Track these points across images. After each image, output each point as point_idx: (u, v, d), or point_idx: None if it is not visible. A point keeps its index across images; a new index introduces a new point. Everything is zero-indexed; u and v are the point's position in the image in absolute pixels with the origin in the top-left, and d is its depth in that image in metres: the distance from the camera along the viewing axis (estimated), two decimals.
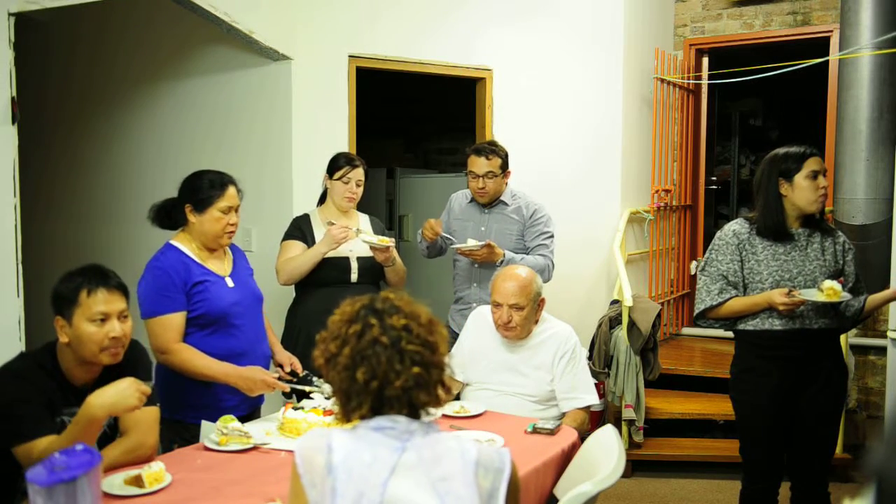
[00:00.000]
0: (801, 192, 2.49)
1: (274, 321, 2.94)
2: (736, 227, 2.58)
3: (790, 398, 2.52)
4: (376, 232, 3.16)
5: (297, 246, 3.02)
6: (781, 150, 2.56)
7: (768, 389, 2.52)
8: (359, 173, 3.04)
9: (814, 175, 2.48)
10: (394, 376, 1.34)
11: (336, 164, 3.06)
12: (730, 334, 2.69)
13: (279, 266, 3.01)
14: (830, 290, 2.39)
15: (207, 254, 2.50)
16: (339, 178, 3.03)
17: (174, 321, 2.37)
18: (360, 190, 3.07)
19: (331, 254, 2.96)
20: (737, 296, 2.55)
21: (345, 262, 3.01)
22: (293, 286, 3.20)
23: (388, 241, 3.01)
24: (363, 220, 3.18)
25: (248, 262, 2.70)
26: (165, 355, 2.37)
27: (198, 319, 2.42)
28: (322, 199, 3.18)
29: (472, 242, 3.14)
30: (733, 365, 2.68)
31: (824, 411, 2.55)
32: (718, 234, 2.63)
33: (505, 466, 1.37)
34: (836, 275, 2.52)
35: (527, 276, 2.69)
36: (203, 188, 2.44)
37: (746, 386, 2.59)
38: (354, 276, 3.02)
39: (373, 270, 3.08)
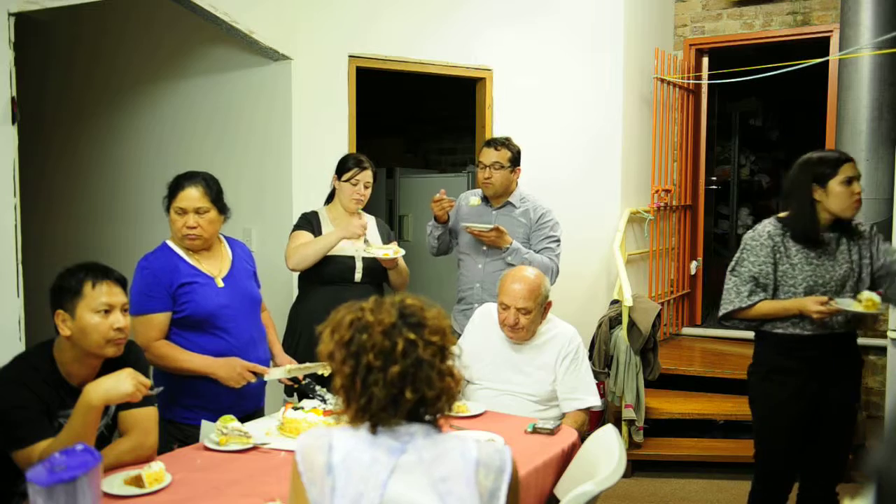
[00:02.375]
0: (835, 199, 2.44)
1: (274, 321, 2.93)
2: (770, 229, 2.54)
3: (813, 398, 2.50)
4: (382, 233, 3.17)
5: (306, 236, 3.02)
6: (815, 155, 2.52)
7: (793, 389, 2.50)
8: (367, 175, 3.04)
9: (848, 181, 2.44)
10: (432, 393, 1.35)
11: (345, 166, 3.06)
12: (730, 335, 2.68)
13: (289, 252, 2.98)
14: (869, 302, 2.36)
15: (202, 253, 2.50)
16: (347, 180, 3.03)
17: (156, 320, 2.38)
18: (368, 192, 3.07)
19: (337, 252, 2.96)
20: (766, 298, 2.51)
21: (350, 261, 3.01)
22: (296, 285, 3.20)
23: (398, 252, 2.99)
24: (370, 223, 3.17)
25: (252, 262, 2.69)
26: (145, 353, 2.36)
27: (184, 320, 2.42)
28: (329, 199, 3.18)
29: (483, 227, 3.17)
30: (756, 365, 2.64)
31: (846, 407, 2.55)
32: (751, 234, 2.58)
33: (506, 465, 1.37)
34: (860, 273, 2.50)
35: (535, 279, 2.68)
36: (168, 190, 2.46)
37: (771, 385, 2.55)
38: (358, 276, 3.02)
39: (377, 271, 3.08)
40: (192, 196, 2.43)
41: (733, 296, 2.55)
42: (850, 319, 2.50)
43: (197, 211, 2.42)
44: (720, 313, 2.62)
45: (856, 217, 2.53)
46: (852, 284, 2.49)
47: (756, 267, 2.52)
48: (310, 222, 3.06)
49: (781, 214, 2.57)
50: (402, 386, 1.34)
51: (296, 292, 3.23)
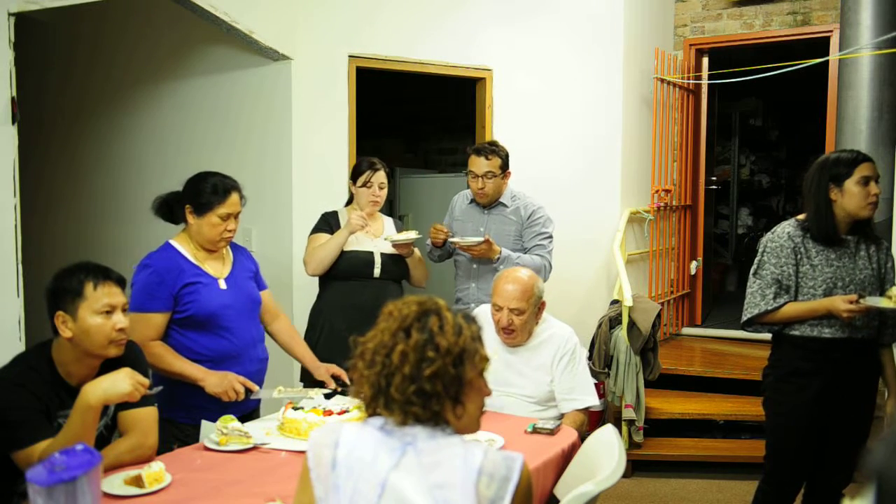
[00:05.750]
0: (851, 198, 2.42)
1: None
2: (790, 230, 2.52)
3: (831, 401, 2.49)
4: (398, 231, 3.21)
5: (324, 238, 3.07)
6: (833, 155, 2.51)
7: (812, 392, 2.48)
8: (380, 176, 3.08)
9: (865, 181, 2.42)
10: (414, 388, 1.34)
11: (358, 170, 3.11)
12: (730, 335, 2.66)
13: (307, 258, 3.06)
14: None
15: (205, 254, 2.50)
16: (362, 185, 3.07)
17: (154, 320, 2.39)
18: (384, 192, 3.11)
19: (356, 247, 3.02)
20: (790, 300, 2.49)
21: (369, 256, 3.06)
22: (296, 284, 3.21)
23: (414, 236, 3.06)
24: (387, 223, 3.22)
25: (253, 263, 2.69)
26: None
27: (187, 320, 2.42)
28: (350, 201, 3.22)
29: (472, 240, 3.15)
30: (773, 367, 2.62)
31: (862, 411, 2.55)
32: (770, 236, 2.56)
33: (512, 474, 1.31)
34: (882, 282, 2.48)
35: (528, 280, 2.68)
36: (205, 192, 2.44)
37: (789, 387, 2.53)
38: (377, 272, 3.06)
39: (395, 267, 3.12)
40: (236, 201, 2.48)
41: (759, 299, 2.52)
42: (874, 323, 2.48)
43: (236, 215, 2.48)
44: (744, 318, 2.57)
45: (873, 217, 2.50)
46: (872, 290, 2.47)
47: (778, 269, 2.50)
48: (328, 223, 3.12)
49: (800, 216, 2.56)
50: (388, 382, 1.33)
51: (296, 291, 3.25)
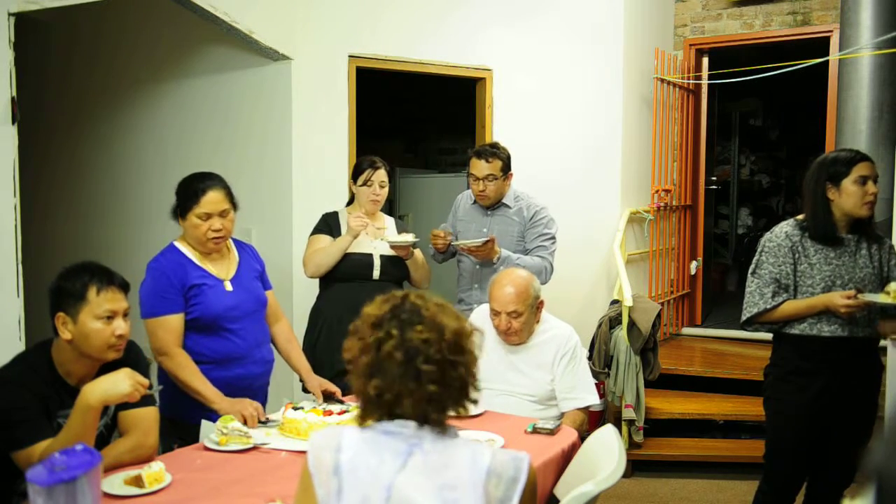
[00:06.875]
0: (847, 198, 2.43)
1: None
2: (788, 230, 2.53)
3: (831, 401, 2.49)
4: (399, 232, 3.20)
5: (324, 239, 3.08)
6: (831, 154, 2.52)
7: (812, 391, 2.48)
8: (381, 175, 3.09)
9: (863, 180, 2.43)
10: (406, 393, 1.32)
11: (359, 169, 3.12)
12: (730, 335, 2.66)
13: (306, 259, 3.08)
14: None
15: (210, 256, 2.50)
16: (363, 184, 3.07)
17: (172, 322, 2.38)
18: (384, 191, 3.12)
19: (354, 250, 3.02)
20: (789, 299, 2.50)
21: (368, 258, 3.06)
22: (295, 284, 3.21)
23: (411, 239, 3.05)
24: (389, 223, 3.22)
25: (259, 262, 2.68)
26: (164, 357, 2.37)
27: (193, 322, 2.42)
28: (351, 201, 3.23)
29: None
30: (774, 367, 2.62)
31: (863, 410, 2.55)
32: (768, 236, 2.57)
33: (520, 475, 1.32)
34: (885, 281, 2.48)
35: (523, 282, 2.67)
36: (183, 195, 2.44)
37: (789, 387, 2.54)
38: (377, 273, 3.06)
39: (395, 268, 3.12)
40: (216, 199, 2.42)
41: (757, 298, 2.52)
42: (875, 322, 2.48)
43: (221, 214, 2.43)
44: (744, 318, 2.58)
45: (872, 217, 2.51)
46: (873, 288, 2.46)
47: (776, 268, 2.50)
48: (328, 224, 3.13)
49: (799, 216, 2.57)
50: (369, 378, 1.33)
51: (296, 291, 3.24)
